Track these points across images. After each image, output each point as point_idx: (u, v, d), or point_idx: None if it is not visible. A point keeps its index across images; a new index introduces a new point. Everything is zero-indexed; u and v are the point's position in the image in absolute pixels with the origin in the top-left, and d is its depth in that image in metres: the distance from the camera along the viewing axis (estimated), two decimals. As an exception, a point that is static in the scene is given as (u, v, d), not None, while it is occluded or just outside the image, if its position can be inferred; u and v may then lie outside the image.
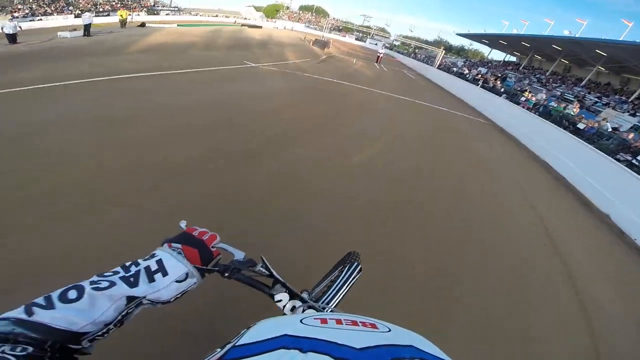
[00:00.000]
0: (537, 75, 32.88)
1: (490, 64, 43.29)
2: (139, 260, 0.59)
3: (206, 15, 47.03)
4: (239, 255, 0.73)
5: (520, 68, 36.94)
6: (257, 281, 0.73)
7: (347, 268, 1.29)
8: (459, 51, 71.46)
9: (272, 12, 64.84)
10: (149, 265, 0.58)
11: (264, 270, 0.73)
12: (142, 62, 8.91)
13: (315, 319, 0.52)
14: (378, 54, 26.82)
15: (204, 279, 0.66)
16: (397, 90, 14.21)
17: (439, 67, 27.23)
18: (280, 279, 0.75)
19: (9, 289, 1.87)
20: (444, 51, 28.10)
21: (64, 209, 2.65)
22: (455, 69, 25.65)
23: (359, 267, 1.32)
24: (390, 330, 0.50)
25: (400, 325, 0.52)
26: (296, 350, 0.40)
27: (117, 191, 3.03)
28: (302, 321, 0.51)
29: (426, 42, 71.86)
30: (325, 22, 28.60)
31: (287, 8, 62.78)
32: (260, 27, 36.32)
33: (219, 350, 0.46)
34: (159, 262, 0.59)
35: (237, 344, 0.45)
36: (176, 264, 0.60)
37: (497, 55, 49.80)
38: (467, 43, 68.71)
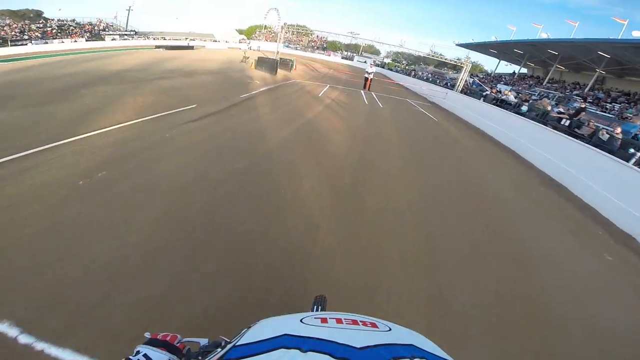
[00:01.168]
0: (576, 92, 21.96)
1: (502, 79, 32.50)
2: (131, 357, 0.60)
3: (167, 39, 36.92)
4: (203, 341, 0.75)
5: (545, 82, 26.39)
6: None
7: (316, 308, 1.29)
8: (455, 65, 60.31)
9: (251, 34, 54.60)
10: (139, 359, 0.60)
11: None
12: None
13: (315, 318, 0.49)
14: (366, 76, 15.43)
15: None
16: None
17: (463, 92, 15.90)
18: None
19: None
20: (470, 63, 16.60)
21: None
22: (487, 92, 14.24)
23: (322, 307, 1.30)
24: (390, 330, 0.47)
25: (401, 325, 0.49)
26: (296, 349, 0.38)
27: None
28: (302, 321, 0.48)
29: (419, 56, 61.22)
30: (281, 31, 17.69)
31: (265, 27, 52.14)
32: (191, 47, 25.15)
33: (219, 350, 0.45)
34: (145, 355, 0.62)
35: (237, 343, 0.43)
36: (159, 355, 0.64)
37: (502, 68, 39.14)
38: (462, 55, 58.13)
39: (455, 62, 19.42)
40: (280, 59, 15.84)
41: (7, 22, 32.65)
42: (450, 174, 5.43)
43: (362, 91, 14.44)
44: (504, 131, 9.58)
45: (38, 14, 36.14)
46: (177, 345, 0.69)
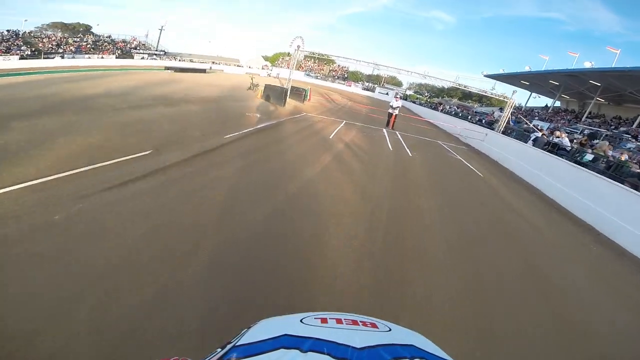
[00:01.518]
0: (623, 129, 18.85)
1: (536, 114, 29.57)
2: None
3: (195, 61, 38.16)
4: None
5: (583, 117, 22.70)
6: None
7: None
8: (481, 98, 57.44)
9: (275, 61, 55.60)
10: None
11: None
12: None
13: (315, 318, 0.48)
14: (390, 112, 13.25)
15: None
16: None
17: (504, 132, 13.29)
18: None
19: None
20: (513, 99, 13.92)
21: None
22: (537, 135, 11.50)
23: None
24: (390, 330, 0.47)
25: (401, 325, 0.48)
26: (296, 350, 0.37)
27: None
28: (302, 321, 0.47)
29: (442, 88, 59.17)
30: (295, 52, 14.55)
31: (289, 55, 52.76)
32: (204, 70, 24.16)
33: (219, 350, 0.44)
34: None
35: (237, 343, 0.42)
36: None
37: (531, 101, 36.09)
38: (488, 86, 55.35)
39: (484, 92, 16.95)
40: (293, 87, 14.12)
41: (52, 33, 34.23)
42: (535, 302, 2.83)
43: (384, 130, 12.18)
44: (571, 193, 6.88)
45: (87, 28, 38.31)
46: None
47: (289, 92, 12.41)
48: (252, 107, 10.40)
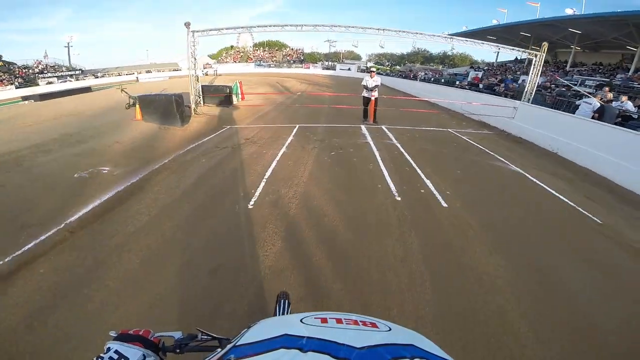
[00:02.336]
0: (620, 76, 15.91)
1: (513, 68, 26.35)
2: (102, 355, 0.56)
3: (122, 74, 32.04)
4: (177, 334, 0.70)
5: (568, 67, 21.13)
6: (206, 346, 0.70)
7: (280, 307, 1.29)
8: (443, 59, 53.58)
9: (218, 57, 48.29)
10: (111, 357, 0.56)
11: (206, 337, 0.70)
12: None
13: (315, 318, 0.47)
14: (367, 95, 8.45)
15: None
16: None
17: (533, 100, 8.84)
18: (223, 337, 0.69)
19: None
20: (541, 55, 9.21)
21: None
22: (594, 103, 7.08)
23: (288, 302, 1.31)
24: (390, 330, 0.46)
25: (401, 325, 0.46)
26: (296, 349, 0.36)
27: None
28: (303, 321, 0.46)
29: (402, 55, 54.80)
30: (188, 36, 7.49)
31: (232, 47, 45.46)
32: (89, 89, 17.04)
33: (219, 350, 0.43)
34: (117, 352, 0.57)
35: (237, 343, 0.41)
36: (131, 350, 0.59)
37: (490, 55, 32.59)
38: (447, 47, 50.96)
39: (476, 41, 12.45)
40: (207, 87, 8.73)
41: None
42: None
43: (364, 128, 7.36)
44: None
45: (-4, 60, 31.70)
46: (152, 339, 0.64)
47: (198, 96, 7.15)
48: (106, 150, 4.95)
